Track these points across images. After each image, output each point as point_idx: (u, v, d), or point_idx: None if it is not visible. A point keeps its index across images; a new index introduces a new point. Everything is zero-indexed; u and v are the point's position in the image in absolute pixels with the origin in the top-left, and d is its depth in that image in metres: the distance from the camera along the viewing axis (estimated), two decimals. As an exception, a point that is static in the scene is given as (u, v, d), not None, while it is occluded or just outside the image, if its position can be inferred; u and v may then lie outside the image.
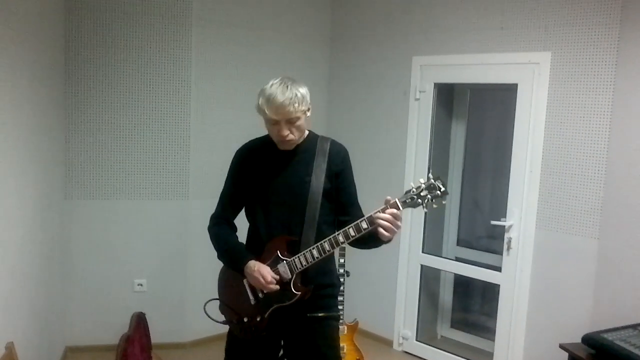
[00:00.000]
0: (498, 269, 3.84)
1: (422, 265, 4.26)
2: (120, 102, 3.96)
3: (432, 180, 2.16)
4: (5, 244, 2.71)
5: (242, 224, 2.51)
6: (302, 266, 2.24)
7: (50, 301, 3.61)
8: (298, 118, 2.21)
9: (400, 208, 2.15)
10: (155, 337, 3.89)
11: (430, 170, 2.14)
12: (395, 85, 4.31)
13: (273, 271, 2.25)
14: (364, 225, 2.15)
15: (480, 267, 4.02)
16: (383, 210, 2.14)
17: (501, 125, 4.16)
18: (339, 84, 4.72)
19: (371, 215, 2.15)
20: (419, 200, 2.15)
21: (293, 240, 2.28)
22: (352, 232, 2.17)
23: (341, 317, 2.81)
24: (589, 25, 3.33)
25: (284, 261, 2.26)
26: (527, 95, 3.61)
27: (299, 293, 2.26)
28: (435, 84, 4.12)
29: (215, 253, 2.45)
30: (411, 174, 4.22)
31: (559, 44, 3.46)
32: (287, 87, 2.18)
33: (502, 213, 3.78)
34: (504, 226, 3.73)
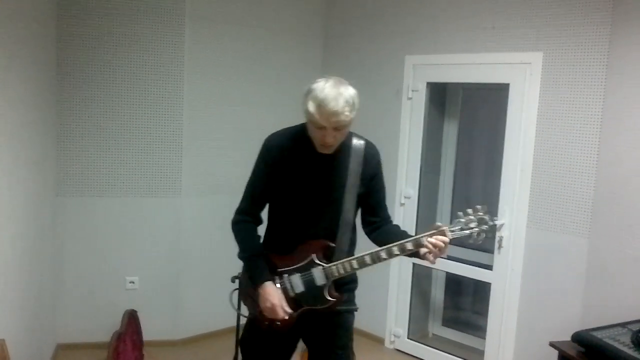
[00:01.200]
0: (489, 267, 3.86)
1: (413, 264, 4.27)
2: (112, 100, 3.94)
3: (482, 214, 2.20)
4: (-3, 241, 2.70)
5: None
6: (339, 274, 2.23)
7: (41, 299, 3.59)
8: (346, 125, 2.13)
9: (450, 237, 2.16)
10: (147, 335, 3.90)
11: (483, 205, 2.15)
12: (388, 84, 4.31)
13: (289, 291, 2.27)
14: (409, 246, 2.16)
15: (472, 265, 4.04)
16: (431, 236, 2.15)
17: (493, 125, 4.17)
18: (332, 82, 4.71)
19: (417, 239, 2.16)
20: (467, 231, 2.19)
21: (330, 245, 2.26)
22: (396, 251, 2.17)
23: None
24: (580, 25, 3.35)
25: (320, 266, 2.24)
26: (518, 95, 3.63)
27: (333, 300, 2.26)
28: (427, 83, 4.13)
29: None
30: (403, 172, 4.23)
31: (550, 44, 3.48)
32: (341, 93, 2.08)
33: (493, 212, 3.79)
34: (495, 225, 3.75)
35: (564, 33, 3.42)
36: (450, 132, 4.47)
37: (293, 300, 2.29)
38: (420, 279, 4.47)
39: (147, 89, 4.00)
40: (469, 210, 2.21)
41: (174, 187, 4.13)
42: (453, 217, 2.22)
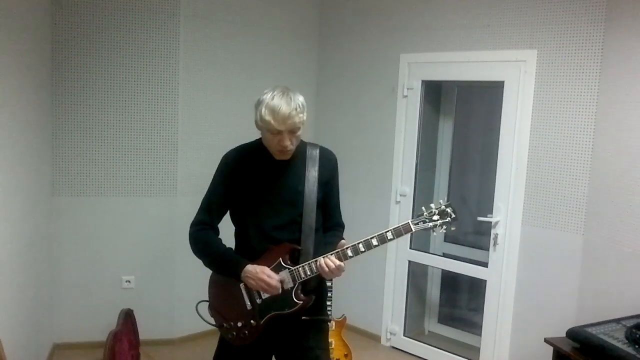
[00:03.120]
0: (485, 264, 3.87)
1: (409, 261, 4.28)
2: (108, 99, 3.94)
3: (444, 207, 2.28)
4: (-8, 241, 2.69)
5: (222, 228, 2.48)
6: (306, 276, 2.26)
7: (37, 298, 3.59)
8: (299, 128, 2.23)
9: (413, 230, 2.25)
10: (144, 334, 3.89)
11: (448, 197, 2.21)
12: (383, 82, 4.32)
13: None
14: (375, 242, 2.24)
15: (467, 262, 4.06)
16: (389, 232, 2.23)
17: (488, 122, 4.19)
18: (327, 81, 4.72)
19: (382, 234, 2.23)
20: (430, 224, 2.26)
21: (296, 249, 2.30)
22: (362, 247, 2.24)
23: (331, 318, 2.82)
24: (574, 23, 3.36)
25: (287, 269, 2.27)
26: (513, 93, 3.64)
27: (301, 302, 2.27)
28: (422, 81, 4.14)
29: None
30: (399, 170, 4.24)
31: (545, 42, 3.49)
32: (291, 98, 2.19)
33: (488, 209, 3.82)
34: (491, 222, 3.77)
35: (559, 31, 3.43)
36: (446, 129, 4.48)
37: (261, 307, 2.29)
38: (416, 277, 4.48)
39: (143, 88, 3.99)
40: (432, 205, 2.30)
41: (169, 186, 4.13)
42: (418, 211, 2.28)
